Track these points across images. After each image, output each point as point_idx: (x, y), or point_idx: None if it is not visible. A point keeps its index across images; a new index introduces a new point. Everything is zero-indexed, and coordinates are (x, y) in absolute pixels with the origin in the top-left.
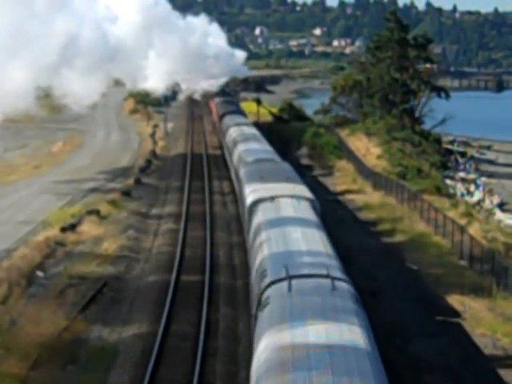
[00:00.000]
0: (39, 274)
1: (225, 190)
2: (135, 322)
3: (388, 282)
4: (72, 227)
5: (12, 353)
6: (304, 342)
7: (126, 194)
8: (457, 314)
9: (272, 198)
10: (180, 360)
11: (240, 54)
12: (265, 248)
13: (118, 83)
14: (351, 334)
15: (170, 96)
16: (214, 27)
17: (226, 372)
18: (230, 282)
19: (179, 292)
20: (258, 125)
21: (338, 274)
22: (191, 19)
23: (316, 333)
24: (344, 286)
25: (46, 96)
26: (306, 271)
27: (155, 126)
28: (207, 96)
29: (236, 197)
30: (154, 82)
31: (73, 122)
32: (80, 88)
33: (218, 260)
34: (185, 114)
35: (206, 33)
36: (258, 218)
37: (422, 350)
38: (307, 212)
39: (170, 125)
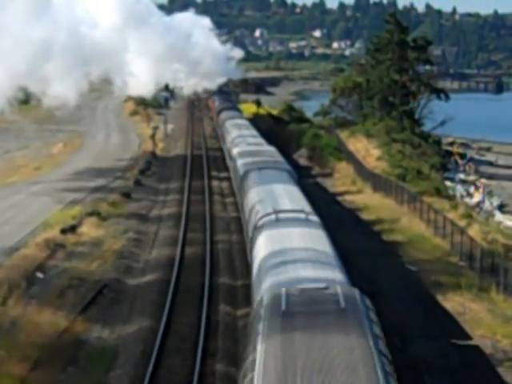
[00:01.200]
0: (39, 275)
1: (225, 192)
2: (135, 323)
3: (387, 284)
4: (72, 228)
5: (12, 354)
6: (289, 247)
7: (126, 195)
8: (456, 315)
9: (259, 169)
10: (180, 362)
11: (234, 54)
12: (255, 196)
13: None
14: (318, 242)
15: (170, 97)
16: (204, 25)
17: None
18: (230, 282)
19: (179, 293)
20: (258, 128)
21: (309, 211)
22: (178, 16)
23: (297, 243)
24: (314, 218)
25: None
26: (287, 208)
27: (155, 128)
28: (207, 95)
29: (232, 191)
30: (142, 84)
31: (73, 124)
32: (58, 88)
33: (217, 259)
34: (185, 115)
35: (190, 33)
36: (249, 182)
37: (422, 352)
38: (286, 177)
39: (170, 126)
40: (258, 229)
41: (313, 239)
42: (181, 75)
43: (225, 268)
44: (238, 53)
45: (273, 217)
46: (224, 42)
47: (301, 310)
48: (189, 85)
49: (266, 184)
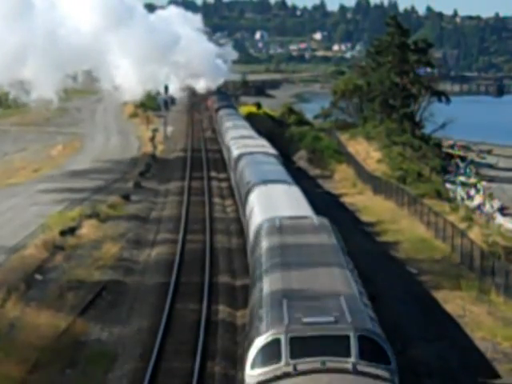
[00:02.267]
0: (38, 277)
1: (224, 192)
2: (134, 325)
3: (388, 286)
4: (71, 231)
5: (11, 356)
6: (274, 198)
7: (126, 197)
8: (457, 317)
9: (251, 153)
10: (179, 364)
11: (226, 54)
12: (247, 171)
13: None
14: (294, 193)
15: (169, 100)
16: (193, 23)
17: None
18: (229, 281)
19: (179, 295)
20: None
21: (290, 180)
22: (164, 14)
23: (280, 195)
24: (293, 185)
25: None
26: (273, 178)
27: (155, 130)
28: (206, 94)
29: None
30: (132, 86)
31: (72, 126)
32: (40, 91)
33: (217, 261)
34: (185, 118)
35: (177, 33)
36: (242, 163)
37: (422, 354)
38: (272, 160)
39: (169, 129)
40: (249, 190)
41: (291, 191)
42: (169, 76)
43: (224, 269)
44: (231, 53)
45: (262, 184)
46: (217, 43)
47: (290, 227)
48: (175, 87)
49: (257, 164)
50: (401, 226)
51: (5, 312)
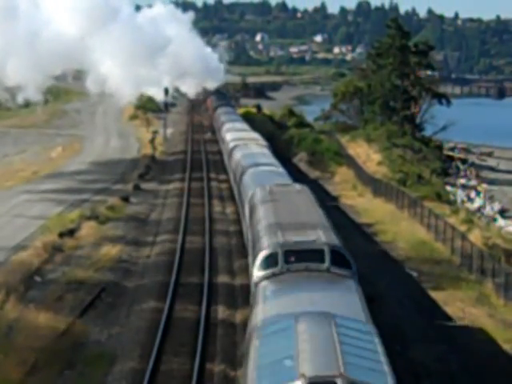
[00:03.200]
0: (37, 278)
1: (223, 193)
2: (133, 327)
3: (387, 288)
4: (70, 232)
5: (9, 358)
6: (260, 165)
7: (125, 199)
8: (456, 320)
9: (244, 143)
10: (179, 365)
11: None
12: (241, 156)
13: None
14: (274, 161)
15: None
16: (183, 22)
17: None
18: (229, 281)
19: (178, 297)
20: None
21: (277, 164)
22: (151, 13)
23: (263, 162)
24: (280, 167)
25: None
26: (263, 162)
27: (154, 132)
28: (205, 94)
29: (226, 171)
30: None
31: (72, 128)
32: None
33: (216, 264)
34: (184, 120)
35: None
36: (236, 151)
37: (422, 356)
38: (262, 148)
39: (169, 131)
40: (243, 172)
41: (277, 171)
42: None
43: (223, 268)
44: (223, 54)
45: (254, 166)
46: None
47: (278, 190)
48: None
49: (249, 151)
50: (401, 228)
51: (4, 313)
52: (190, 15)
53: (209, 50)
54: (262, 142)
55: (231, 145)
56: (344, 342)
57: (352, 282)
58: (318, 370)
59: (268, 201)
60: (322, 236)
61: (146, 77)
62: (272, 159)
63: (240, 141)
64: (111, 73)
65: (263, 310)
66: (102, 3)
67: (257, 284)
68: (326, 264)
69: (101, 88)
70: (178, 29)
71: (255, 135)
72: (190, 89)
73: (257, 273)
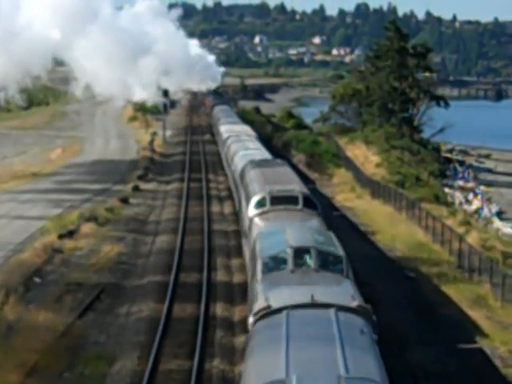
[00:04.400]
0: (36, 280)
1: (222, 195)
2: (132, 328)
3: (385, 290)
4: (70, 234)
5: (9, 359)
6: (248, 149)
7: (124, 200)
8: (455, 322)
9: (237, 136)
10: (177, 368)
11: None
12: (233, 143)
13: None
14: (257, 145)
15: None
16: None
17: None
18: (227, 280)
19: (177, 298)
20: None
21: (263, 149)
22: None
23: (251, 147)
24: (266, 151)
25: None
26: (251, 148)
27: (154, 134)
28: (203, 94)
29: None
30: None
31: (72, 130)
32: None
33: (215, 265)
34: (183, 122)
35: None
36: (229, 140)
37: (420, 358)
38: (251, 138)
39: (168, 132)
40: (234, 154)
41: (264, 154)
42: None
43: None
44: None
45: (243, 150)
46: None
47: (263, 162)
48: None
49: (240, 140)
50: (399, 230)
51: (3, 314)
52: (178, 12)
53: (199, 50)
54: (252, 133)
55: (225, 135)
56: (314, 233)
57: (317, 217)
58: (299, 242)
59: (256, 168)
60: (296, 187)
61: (132, 79)
62: (259, 145)
63: (233, 132)
64: (95, 76)
65: (259, 228)
66: (81, 3)
67: (251, 219)
68: (300, 206)
69: (86, 92)
70: (164, 26)
71: (246, 128)
72: (172, 87)
73: (251, 211)
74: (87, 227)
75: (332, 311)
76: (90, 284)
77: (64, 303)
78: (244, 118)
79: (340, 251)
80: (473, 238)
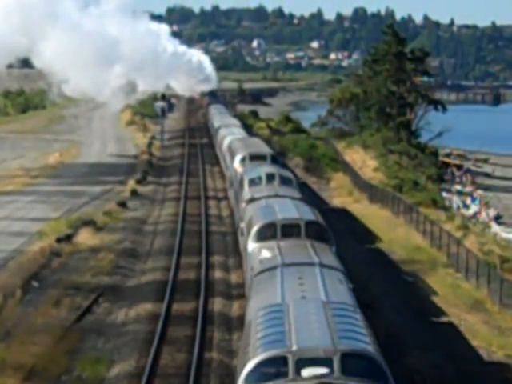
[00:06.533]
0: (34, 284)
1: (219, 195)
2: (130, 332)
3: (383, 294)
4: (68, 238)
5: (6, 363)
6: (237, 138)
7: (122, 204)
8: (452, 326)
9: (226, 125)
10: (175, 370)
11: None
12: (223, 130)
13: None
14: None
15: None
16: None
17: None
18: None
19: (175, 303)
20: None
21: (245, 134)
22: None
23: (240, 135)
24: (255, 137)
25: None
26: (239, 134)
27: (152, 138)
28: (201, 95)
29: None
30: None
31: (70, 134)
32: None
33: (213, 263)
34: (182, 125)
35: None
36: (221, 130)
37: (417, 363)
38: (239, 127)
39: (166, 136)
40: (223, 138)
41: (243, 135)
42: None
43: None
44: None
45: (232, 136)
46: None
47: (243, 138)
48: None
49: (229, 129)
50: (397, 234)
51: (1, 318)
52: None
53: (187, 51)
54: (238, 124)
55: (217, 125)
56: (278, 169)
57: (279, 165)
58: (269, 170)
59: (240, 140)
60: (266, 150)
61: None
62: (241, 130)
63: (223, 123)
64: (63, 77)
65: (243, 171)
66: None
67: (235, 169)
68: (269, 161)
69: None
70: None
71: (234, 121)
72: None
73: (236, 164)
74: (85, 231)
75: (317, 268)
76: (88, 288)
77: (62, 307)
78: (242, 121)
79: (292, 175)
80: (471, 243)
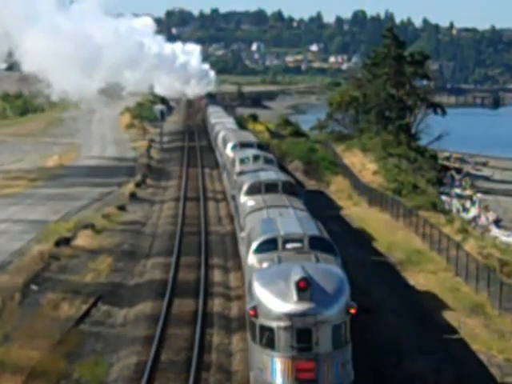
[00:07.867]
0: (33, 287)
1: (218, 197)
2: (129, 336)
3: (382, 297)
4: (66, 241)
5: (5, 367)
6: (230, 130)
7: (121, 208)
8: (452, 330)
9: (222, 122)
10: (174, 374)
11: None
12: (218, 125)
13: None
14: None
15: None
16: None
17: None
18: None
19: (174, 307)
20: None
21: (237, 128)
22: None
23: (242, 135)
24: (248, 131)
25: None
26: (230, 128)
27: (151, 141)
28: (200, 97)
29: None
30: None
31: (69, 137)
32: None
33: (212, 264)
34: (181, 128)
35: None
36: (216, 126)
37: (417, 367)
38: (232, 124)
39: (165, 139)
40: (217, 134)
41: (236, 128)
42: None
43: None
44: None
45: (226, 130)
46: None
47: (235, 130)
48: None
49: (224, 125)
50: (396, 237)
51: (0, 322)
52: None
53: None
54: (232, 121)
55: (213, 121)
56: (260, 153)
57: (264, 150)
58: (255, 152)
59: (232, 132)
60: (253, 139)
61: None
62: (234, 126)
63: (219, 120)
64: (48, 81)
65: (234, 156)
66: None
67: (228, 155)
68: (255, 147)
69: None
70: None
71: (229, 119)
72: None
73: (228, 152)
74: (84, 234)
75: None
76: (86, 291)
77: (61, 311)
78: (241, 124)
79: (273, 157)
80: (470, 246)
